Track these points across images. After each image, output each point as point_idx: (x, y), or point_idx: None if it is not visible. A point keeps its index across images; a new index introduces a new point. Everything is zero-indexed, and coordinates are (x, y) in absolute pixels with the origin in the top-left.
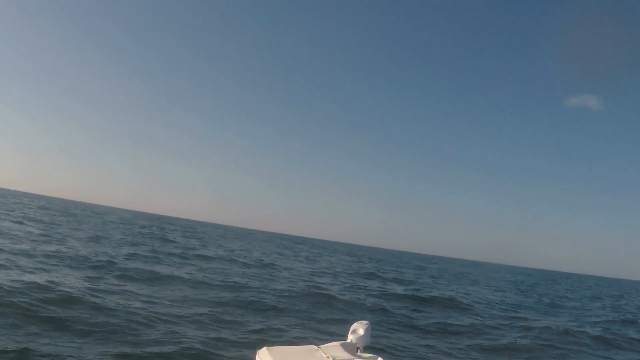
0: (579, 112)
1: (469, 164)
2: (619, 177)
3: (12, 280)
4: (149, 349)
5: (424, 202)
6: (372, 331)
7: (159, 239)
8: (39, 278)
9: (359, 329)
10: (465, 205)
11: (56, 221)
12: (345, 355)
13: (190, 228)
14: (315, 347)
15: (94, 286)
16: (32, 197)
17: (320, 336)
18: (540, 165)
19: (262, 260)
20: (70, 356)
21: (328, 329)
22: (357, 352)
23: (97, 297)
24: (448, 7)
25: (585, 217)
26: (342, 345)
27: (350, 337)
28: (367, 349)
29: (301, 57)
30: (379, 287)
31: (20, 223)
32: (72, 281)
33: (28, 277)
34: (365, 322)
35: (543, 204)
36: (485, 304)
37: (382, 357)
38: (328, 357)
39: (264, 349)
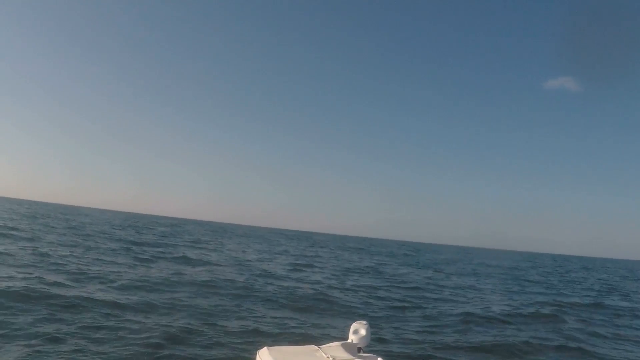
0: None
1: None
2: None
3: None
4: None
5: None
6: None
7: None
8: None
9: (360, 329)
10: (445, 189)
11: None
12: (346, 355)
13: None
14: (316, 347)
15: None
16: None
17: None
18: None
19: None
20: None
21: None
22: (358, 352)
23: None
24: None
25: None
26: (342, 345)
27: (352, 338)
28: (368, 349)
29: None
30: None
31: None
32: None
33: None
34: (364, 322)
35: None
36: None
37: (382, 358)
38: (328, 357)
39: (265, 348)
